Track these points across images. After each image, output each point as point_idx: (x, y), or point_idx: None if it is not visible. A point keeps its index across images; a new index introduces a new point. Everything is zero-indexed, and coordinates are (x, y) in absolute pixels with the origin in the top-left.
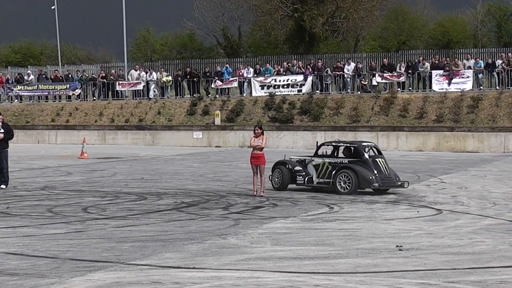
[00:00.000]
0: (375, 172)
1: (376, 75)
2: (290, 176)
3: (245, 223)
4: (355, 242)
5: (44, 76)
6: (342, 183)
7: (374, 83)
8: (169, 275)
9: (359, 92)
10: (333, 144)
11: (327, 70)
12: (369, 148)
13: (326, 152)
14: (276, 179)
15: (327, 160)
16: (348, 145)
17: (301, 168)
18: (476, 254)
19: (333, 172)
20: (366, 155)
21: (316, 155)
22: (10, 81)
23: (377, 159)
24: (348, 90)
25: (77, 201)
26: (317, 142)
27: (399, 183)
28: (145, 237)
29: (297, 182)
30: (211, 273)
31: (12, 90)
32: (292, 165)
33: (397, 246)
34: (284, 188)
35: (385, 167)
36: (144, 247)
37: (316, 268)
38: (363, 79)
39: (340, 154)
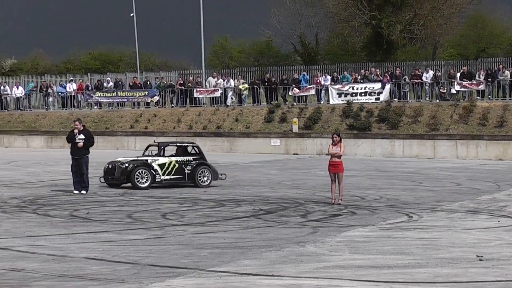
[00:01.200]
0: None
1: (455, 83)
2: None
3: (323, 231)
4: (434, 251)
5: (120, 83)
6: (203, 177)
7: (453, 91)
8: (247, 282)
9: (437, 100)
10: (175, 144)
11: (405, 77)
12: None
13: (151, 152)
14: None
15: (173, 159)
16: (186, 144)
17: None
18: None
19: (187, 168)
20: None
21: (144, 155)
22: (89, 88)
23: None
24: (427, 98)
25: (156, 207)
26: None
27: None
28: (223, 244)
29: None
30: (289, 280)
31: (92, 96)
32: (130, 165)
33: (477, 256)
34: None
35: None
36: (222, 254)
37: (395, 277)
38: (441, 87)
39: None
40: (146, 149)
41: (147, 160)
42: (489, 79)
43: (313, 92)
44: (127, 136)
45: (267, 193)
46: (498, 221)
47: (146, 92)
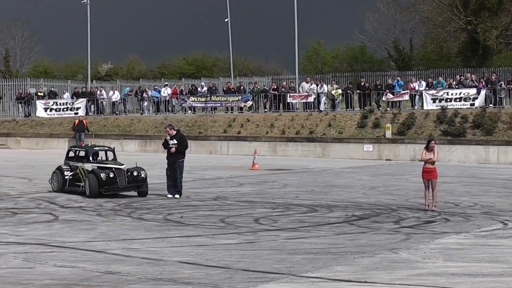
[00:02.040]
0: None
1: None
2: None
3: (417, 238)
4: None
5: (214, 88)
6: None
7: None
8: None
9: None
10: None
11: (501, 83)
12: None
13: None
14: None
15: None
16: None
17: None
18: None
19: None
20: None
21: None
22: (183, 93)
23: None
24: None
25: (248, 212)
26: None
27: None
28: (316, 250)
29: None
30: (382, 287)
31: (186, 101)
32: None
33: None
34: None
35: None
36: (315, 259)
37: (490, 286)
38: None
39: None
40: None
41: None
42: None
43: (407, 97)
44: (220, 140)
45: (359, 199)
46: None
47: (240, 97)
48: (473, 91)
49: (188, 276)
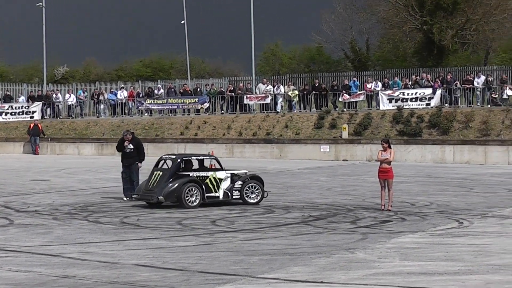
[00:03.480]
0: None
1: (507, 88)
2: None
3: (373, 237)
4: (485, 258)
5: (173, 90)
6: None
7: (505, 96)
8: None
9: (489, 106)
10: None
11: (457, 83)
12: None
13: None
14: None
15: None
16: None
17: None
18: None
19: None
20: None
21: None
22: (140, 95)
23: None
24: (478, 104)
25: (205, 213)
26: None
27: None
28: (273, 251)
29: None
30: (339, 287)
31: (143, 103)
32: None
33: None
34: None
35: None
36: (272, 260)
37: (445, 284)
38: (493, 92)
39: None
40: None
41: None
42: None
43: (363, 98)
44: (177, 143)
45: (316, 200)
46: None
47: (197, 99)
48: (428, 91)
49: (145, 279)
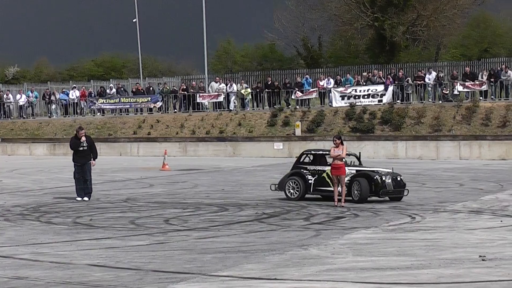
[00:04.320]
0: None
1: (458, 83)
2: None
3: (327, 234)
4: (437, 252)
5: (122, 89)
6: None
7: (456, 92)
8: (251, 286)
9: (440, 101)
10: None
11: (408, 79)
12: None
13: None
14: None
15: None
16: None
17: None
18: None
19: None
20: None
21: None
22: (92, 95)
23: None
24: (429, 99)
25: (159, 212)
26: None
27: None
28: (226, 248)
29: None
30: (292, 284)
31: (95, 103)
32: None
33: (480, 256)
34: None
35: None
36: (225, 258)
37: (398, 279)
38: (444, 88)
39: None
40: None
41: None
42: (492, 80)
43: (316, 95)
44: (130, 142)
45: (270, 197)
46: (501, 221)
47: (149, 98)
48: (380, 87)
49: (98, 279)
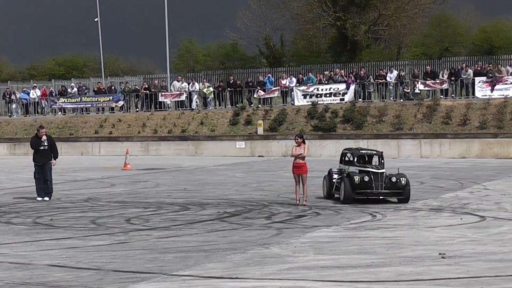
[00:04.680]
0: None
1: (419, 82)
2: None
3: (288, 232)
4: (398, 250)
5: (84, 87)
6: None
7: (417, 90)
8: (212, 286)
9: (401, 100)
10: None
11: (370, 78)
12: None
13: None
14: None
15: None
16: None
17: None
18: None
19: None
20: None
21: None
22: (53, 94)
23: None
24: (391, 98)
25: (120, 212)
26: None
27: None
28: (188, 248)
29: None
30: (253, 283)
31: (56, 102)
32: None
33: (440, 253)
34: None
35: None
36: (187, 257)
37: (359, 277)
38: (405, 86)
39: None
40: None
41: None
42: (453, 78)
43: (278, 94)
44: (91, 141)
45: (232, 196)
46: (461, 219)
47: (111, 97)
48: (342, 86)
49: (58, 279)
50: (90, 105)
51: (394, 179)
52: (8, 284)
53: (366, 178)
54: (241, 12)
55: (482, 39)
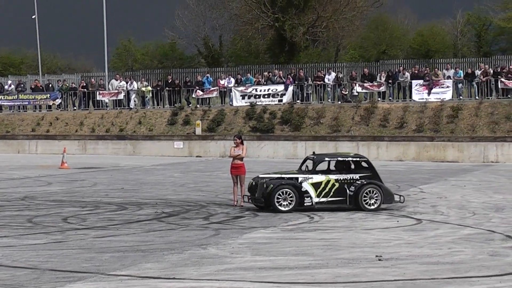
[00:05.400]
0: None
1: (357, 84)
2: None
3: (226, 233)
4: (335, 252)
5: (22, 85)
6: (370, 200)
7: (355, 92)
8: (149, 286)
9: (339, 102)
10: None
11: (308, 79)
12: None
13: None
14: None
15: (332, 176)
16: (352, 159)
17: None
18: (455, 264)
19: (350, 189)
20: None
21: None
22: None
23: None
24: (329, 100)
25: (57, 211)
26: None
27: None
28: (125, 248)
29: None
30: (191, 283)
31: None
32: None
33: (376, 256)
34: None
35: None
36: (124, 257)
37: (296, 278)
38: (343, 88)
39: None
40: (303, 162)
41: (297, 178)
42: (390, 81)
43: (216, 94)
44: (28, 139)
45: (169, 196)
46: (397, 221)
47: (48, 95)
48: (281, 87)
49: None
50: (27, 103)
51: (254, 183)
52: None
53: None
54: (180, 11)
55: (418, 43)
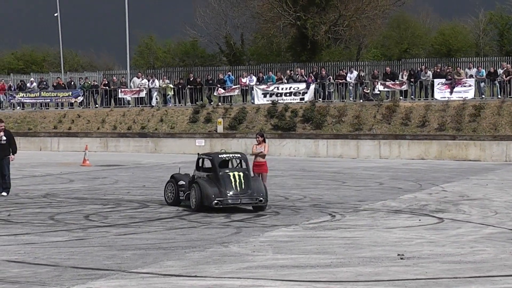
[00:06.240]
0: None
1: (379, 83)
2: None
3: (247, 231)
4: (356, 250)
5: (45, 83)
6: (192, 198)
7: (376, 91)
8: (171, 283)
9: (361, 100)
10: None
11: (330, 78)
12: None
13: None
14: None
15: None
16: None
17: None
18: (477, 263)
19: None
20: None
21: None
22: (12, 88)
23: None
24: (351, 98)
25: (78, 208)
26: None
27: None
28: (146, 245)
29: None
30: (212, 281)
31: (14, 97)
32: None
33: (398, 254)
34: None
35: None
36: (145, 255)
37: (317, 277)
38: (365, 87)
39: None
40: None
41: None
42: (412, 80)
43: (238, 92)
44: (50, 137)
45: None
46: (419, 220)
47: (70, 93)
48: (302, 85)
49: (16, 275)
50: (49, 100)
51: None
52: None
53: None
54: (201, 10)
55: (440, 42)
